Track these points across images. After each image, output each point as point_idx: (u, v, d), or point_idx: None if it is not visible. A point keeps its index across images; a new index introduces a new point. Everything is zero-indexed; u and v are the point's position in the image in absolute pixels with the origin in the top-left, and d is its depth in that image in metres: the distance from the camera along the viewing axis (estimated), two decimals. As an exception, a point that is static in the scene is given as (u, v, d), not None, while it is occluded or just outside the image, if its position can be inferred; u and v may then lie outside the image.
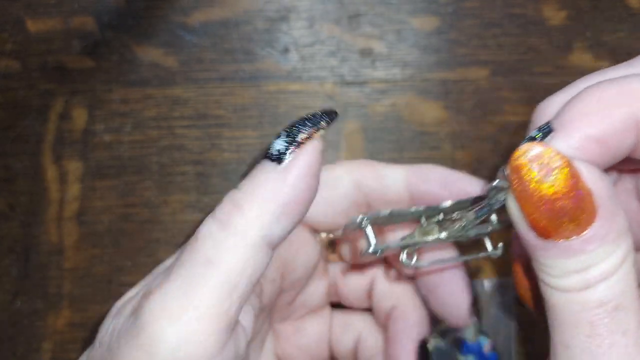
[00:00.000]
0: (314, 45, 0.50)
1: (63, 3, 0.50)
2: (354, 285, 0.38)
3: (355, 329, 0.38)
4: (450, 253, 0.34)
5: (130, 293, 0.30)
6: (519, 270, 0.32)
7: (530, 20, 0.50)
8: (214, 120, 0.49)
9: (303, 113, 0.49)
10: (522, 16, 0.50)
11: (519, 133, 0.31)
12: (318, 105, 0.49)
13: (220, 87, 0.50)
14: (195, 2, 0.50)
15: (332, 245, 0.38)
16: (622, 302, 0.24)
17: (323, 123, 0.27)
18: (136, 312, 0.26)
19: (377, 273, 0.37)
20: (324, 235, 0.37)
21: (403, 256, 0.28)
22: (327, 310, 0.39)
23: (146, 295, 0.26)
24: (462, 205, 0.29)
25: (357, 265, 0.38)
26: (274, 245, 0.26)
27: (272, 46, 0.50)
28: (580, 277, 0.24)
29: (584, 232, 0.23)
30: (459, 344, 0.45)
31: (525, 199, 0.24)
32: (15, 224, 0.47)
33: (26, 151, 0.48)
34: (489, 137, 0.49)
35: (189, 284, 0.25)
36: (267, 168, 0.26)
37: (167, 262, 0.32)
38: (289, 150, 0.26)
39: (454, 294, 0.35)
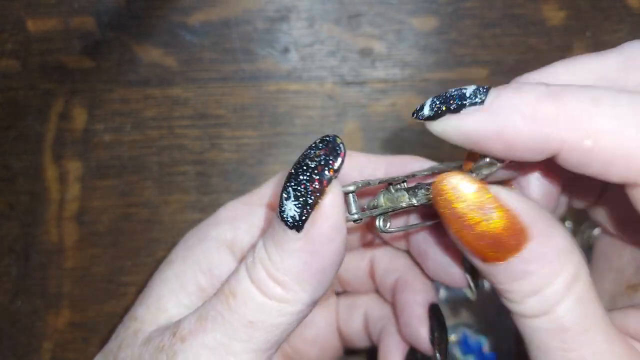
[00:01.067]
0: (314, 45, 0.50)
1: (63, 3, 0.50)
2: (354, 269, 0.38)
3: (360, 306, 0.38)
4: (415, 220, 0.34)
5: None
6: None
7: (530, 20, 0.50)
8: (214, 120, 0.49)
9: (303, 113, 0.50)
10: (522, 16, 0.50)
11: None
12: (318, 105, 0.49)
13: (220, 87, 0.50)
14: (195, 2, 0.50)
15: None
16: (587, 325, 0.23)
17: (332, 170, 0.24)
18: (167, 352, 0.27)
19: (375, 252, 0.37)
20: None
21: (380, 222, 0.28)
22: (333, 299, 0.39)
23: (179, 337, 0.27)
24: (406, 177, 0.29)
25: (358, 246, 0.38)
26: (316, 303, 0.27)
27: (272, 46, 0.50)
28: (536, 300, 0.24)
29: (519, 253, 0.23)
30: (461, 343, 0.45)
31: (452, 222, 0.24)
32: (15, 224, 0.47)
33: (26, 151, 0.48)
34: (489, 137, 0.49)
35: (228, 340, 0.26)
36: (288, 236, 0.25)
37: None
38: (304, 218, 0.24)
39: (441, 254, 0.33)
